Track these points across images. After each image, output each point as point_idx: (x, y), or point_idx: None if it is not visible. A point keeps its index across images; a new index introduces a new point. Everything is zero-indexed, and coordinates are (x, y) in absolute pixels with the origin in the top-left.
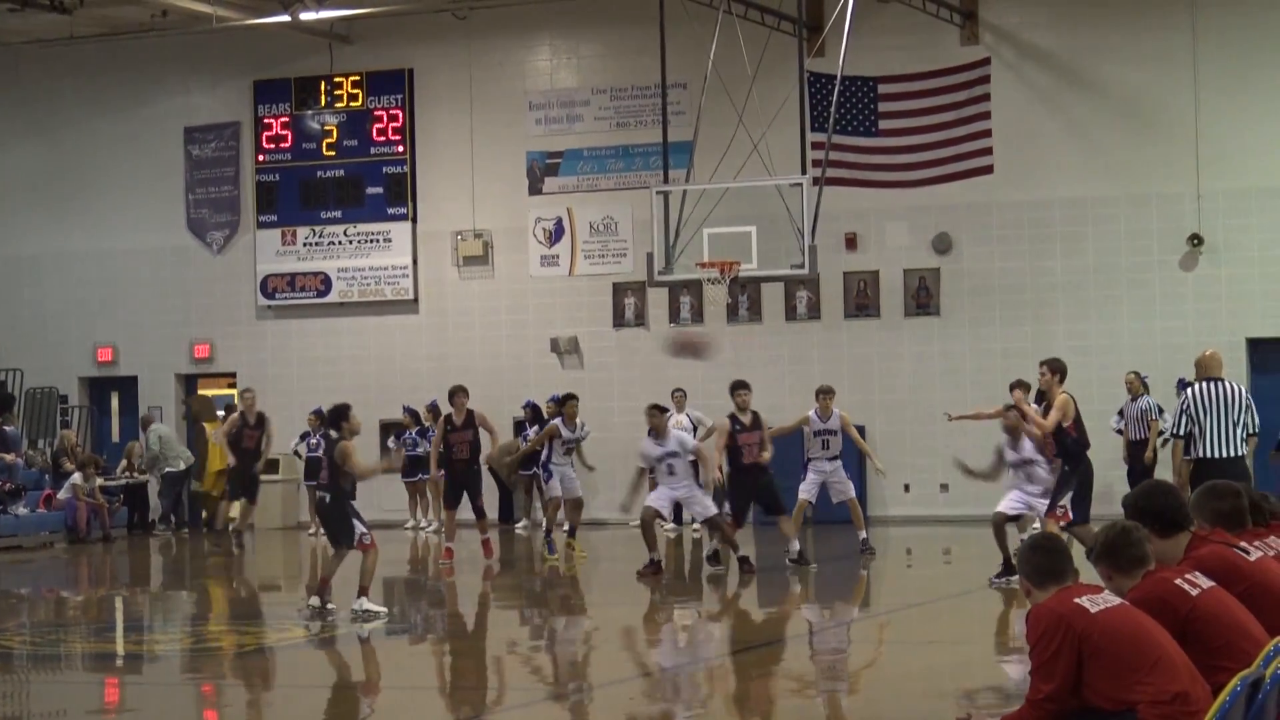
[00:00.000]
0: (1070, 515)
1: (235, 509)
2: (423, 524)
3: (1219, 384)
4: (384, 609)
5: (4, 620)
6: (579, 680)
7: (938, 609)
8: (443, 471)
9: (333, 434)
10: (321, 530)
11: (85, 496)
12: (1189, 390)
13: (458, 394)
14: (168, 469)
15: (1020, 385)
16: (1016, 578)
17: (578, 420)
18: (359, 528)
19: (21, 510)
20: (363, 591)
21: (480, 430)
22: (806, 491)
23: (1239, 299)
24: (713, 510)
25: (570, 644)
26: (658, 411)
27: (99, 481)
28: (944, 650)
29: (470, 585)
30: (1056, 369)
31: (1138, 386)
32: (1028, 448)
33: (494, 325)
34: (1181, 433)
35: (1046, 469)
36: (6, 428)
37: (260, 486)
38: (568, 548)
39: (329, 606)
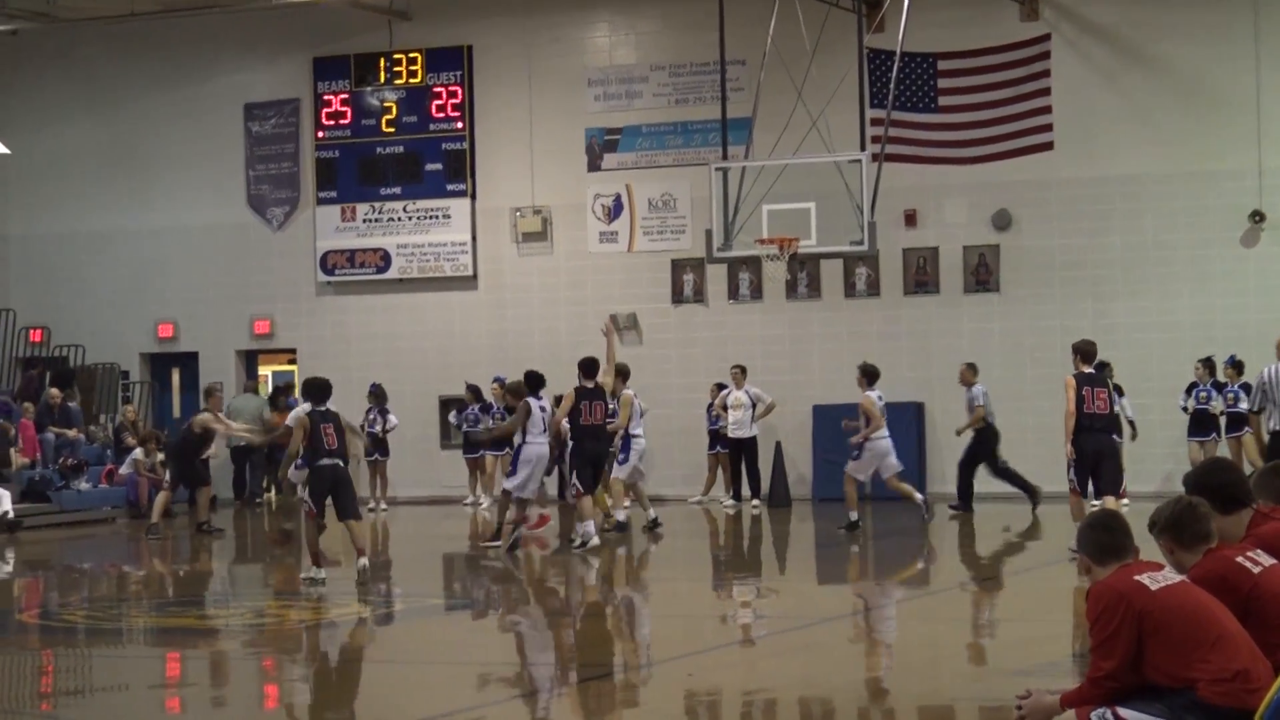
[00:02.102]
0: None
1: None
2: (481, 500)
3: None
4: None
5: (66, 595)
6: (633, 657)
7: (996, 586)
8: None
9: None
10: (383, 505)
11: (146, 472)
12: (1265, 370)
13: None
14: (233, 443)
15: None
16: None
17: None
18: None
19: (84, 485)
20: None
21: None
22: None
23: None
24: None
25: (609, 621)
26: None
27: (160, 457)
28: (1004, 628)
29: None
30: (1076, 350)
31: (969, 376)
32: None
33: (553, 302)
34: (1257, 408)
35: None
36: (69, 403)
37: (206, 473)
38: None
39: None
